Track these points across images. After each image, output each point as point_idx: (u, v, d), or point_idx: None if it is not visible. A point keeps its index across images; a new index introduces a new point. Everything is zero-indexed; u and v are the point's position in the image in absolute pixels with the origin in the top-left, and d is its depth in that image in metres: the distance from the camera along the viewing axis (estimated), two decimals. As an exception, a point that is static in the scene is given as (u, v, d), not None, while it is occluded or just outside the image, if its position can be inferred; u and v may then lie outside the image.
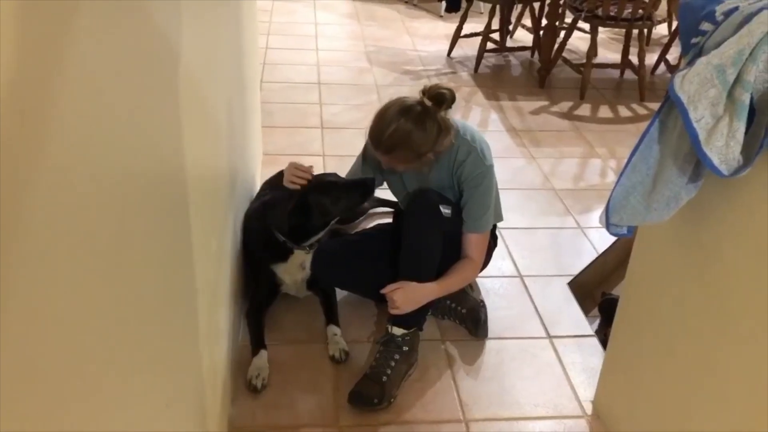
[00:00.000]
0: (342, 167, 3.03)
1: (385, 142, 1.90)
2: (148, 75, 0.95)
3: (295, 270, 2.12)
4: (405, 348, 1.92)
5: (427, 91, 1.92)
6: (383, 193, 2.46)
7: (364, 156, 2.20)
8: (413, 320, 1.95)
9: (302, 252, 2.09)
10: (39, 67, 0.59)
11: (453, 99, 1.93)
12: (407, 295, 1.90)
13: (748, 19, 1.15)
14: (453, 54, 4.63)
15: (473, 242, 2.05)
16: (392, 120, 1.89)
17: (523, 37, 4.97)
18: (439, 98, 1.90)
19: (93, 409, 0.76)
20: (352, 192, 2.05)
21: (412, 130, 1.88)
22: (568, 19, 4.34)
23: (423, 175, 2.08)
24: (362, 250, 2.14)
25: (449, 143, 1.98)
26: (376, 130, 1.92)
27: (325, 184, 2.04)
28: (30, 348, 0.60)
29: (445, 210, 1.98)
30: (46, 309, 0.63)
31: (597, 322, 2.40)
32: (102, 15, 0.75)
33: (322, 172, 2.94)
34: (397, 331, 1.93)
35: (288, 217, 2.00)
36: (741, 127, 1.16)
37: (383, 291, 1.93)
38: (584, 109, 3.98)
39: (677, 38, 4.28)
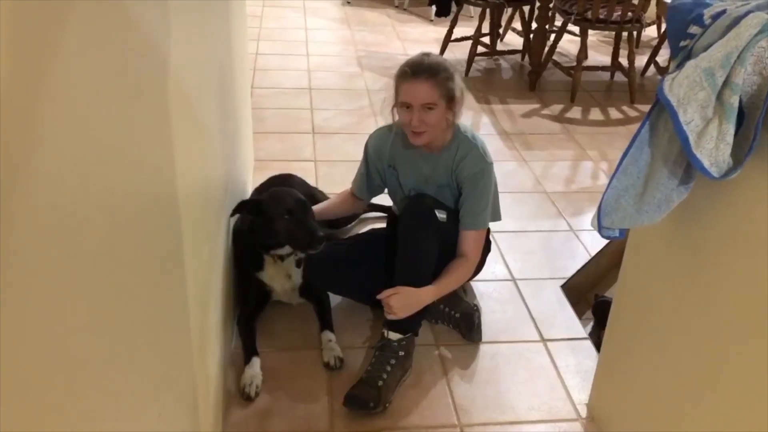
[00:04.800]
0: (333, 172, 3.05)
1: (427, 66, 1.94)
2: (138, 81, 0.95)
3: (281, 278, 2.12)
4: (401, 353, 1.92)
5: None
6: (375, 197, 2.46)
7: (367, 160, 2.23)
8: (409, 325, 1.95)
9: (271, 260, 2.08)
10: (27, 74, 0.58)
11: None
12: (404, 300, 1.91)
13: (735, 22, 1.16)
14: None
15: (470, 239, 2.06)
16: (429, 54, 2.01)
17: (513, 40, 4.99)
18: None
19: (83, 418, 0.75)
20: (300, 229, 1.96)
21: (449, 64, 2.00)
22: (558, 23, 4.36)
23: (420, 174, 2.09)
24: (356, 255, 2.14)
25: (450, 134, 2.04)
26: (414, 62, 1.97)
27: (293, 200, 2.00)
28: (20, 356, 0.59)
29: (440, 215, 1.99)
30: (36, 317, 0.62)
31: (590, 324, 2.40)
32: (90, 22, 0.74)
33: (313, 178, 2.95)
34: (393, 336, 1.93)
35: (240, 206, 2.02)
36: (730, 129, 1.16)
37: (379, 296, 1.93)
38: (575, 112, 3.99)
39: (666, 40, 4.31)
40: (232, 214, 2.03)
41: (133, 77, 0.92)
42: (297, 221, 1.97)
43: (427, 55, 2.00)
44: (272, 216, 1.99)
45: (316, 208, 2.30)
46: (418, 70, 1.93)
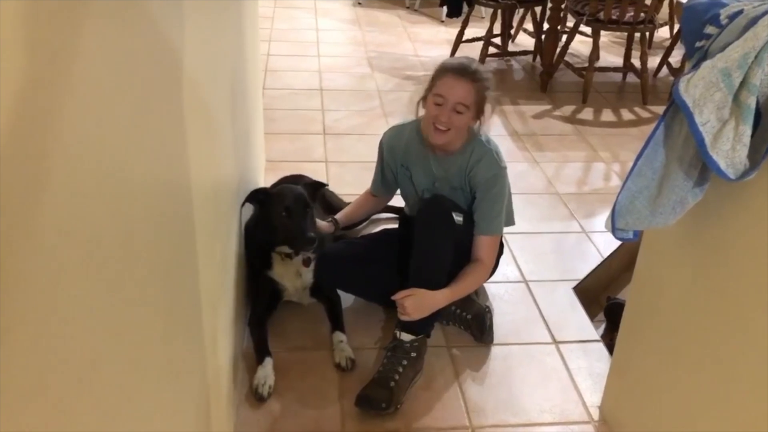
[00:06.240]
0: (344, 173, 3.05)
1: (473, 70, 1.96)
2: (152, 82, 0.95)
3: (291, 277, 2.12)
4: (413, 354, 1.92)
5: None
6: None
7: (381, 157, 2.25)
8: (422, 327, 1.95)
9: (279, 258, 2.09)
10: (45, 72, 0.59)
11: None
12: (418, 303, 1.90)
13: (753, 22, 1.14)
14: (455, 59, 4.62)
15: (485, 245, 2.05)
16: (471, 59, 2.04)
17: (524, 41, 4.97)
18: None
19: (96, 417, 0.76)
20: (293, 228, 1.97)
21: (488, 74, 2.02)
22: (570, 23, 4.34)
23: (432, 175, 2.09)
24: (368, 255, 2.14)
25: (465, 138, 2.03)
26: (461, 62, 1.98)
27: (292, 198, 2.01)
28: (33, 355, 0.59)
29: (458, 217, 1.98)
30: (50, 316, 0.62)
31: (602, 326, 2.39)
32: (106, 23, 0.75)
33: (324, 179, 2.95)
34: (406, 337, 1.93)
35: (252, 194, 2.06)
36: (747, 130, 1.15)
37: (394, 297, 1.93)
38: (587, 113, 3.97)
39: (679, 41, 4.28)
40: (244, 203, 2.05)
41: (148, 78, 0.92)
42: (291, 220, 1.99)
43: (473, 61, 2.03)
44: (271, 211, 2.02)
45: (340, 215, 2.33)
46: (464, 70, 1.95)
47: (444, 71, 1.95)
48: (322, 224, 2.26)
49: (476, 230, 2.05)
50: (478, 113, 1.99)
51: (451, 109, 1.93)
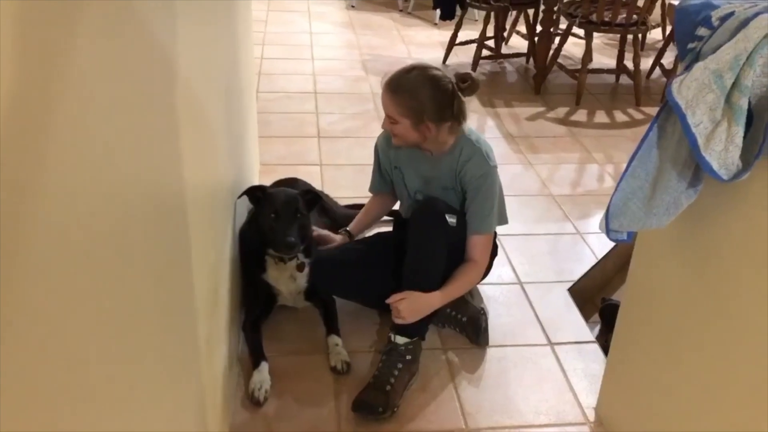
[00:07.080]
0: (339, 176, 3.05)
1: (397, 80, 1.96)
2: (146, 86, 0.95)
3: (285, 280, 2.12)
4: (408, 357, 1.92)
5: (457, 74, 2.02)
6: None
7: (377, 159, 2.27)
8: (416, 329, 1.95)
9: (273, 262, 2.09)
10: (38, 76, 0.59)
11: (475, 87, 2.02)
12: (412, 305, 1.90)
13: (744, 23, 1.15)
14: (448, 61, 4.64)
15: (477, 244, 2.05)
16: (415, 68, 1.99)
17: (518, 43, 4.99)
18: (464, 78, 2.00)
19: (91, 421, 0.75)
20: (278, 230, 1.98)
21: (427, 84, 1.95)
22: (563, 25, 4.36)
23: (423, 175, 2.10)
24: (363, 259, 2.14)
25: (453, 139, 2.03)
26: (395, 73, 2.00)
27: (283, 201, 2.03)
28: (28, 360, 0.59)
29: (451, 219, 1.98)
30: (44, 322, 0.62)
31: (597, 327, 2.39)
32: (99, 28, 0.74)
33: (319, 182, 2.95)
34: (400, 340, 1.93)
35: (249, 190, 2.08)
36: (740, 131, 1.16)
37: (388, 301, 1.93)
38: (580, 115, 3.99)
39: (672, 43, 4.30)
40: (241, 195, 2.06)
41: (140, 81, 0.92)
42: (277, 223, 2.00)
43: (418, 68, 1.99)
44: (261, 212, 2.04)
45: (352, 226, 2.36)
46: (386, 84, 1.98)
47: None
48: (336, 237, 2.28)
49: (468, 229, 2.05)
50: (418, 124, 1.95)
51: (388, 119, 1.99)
